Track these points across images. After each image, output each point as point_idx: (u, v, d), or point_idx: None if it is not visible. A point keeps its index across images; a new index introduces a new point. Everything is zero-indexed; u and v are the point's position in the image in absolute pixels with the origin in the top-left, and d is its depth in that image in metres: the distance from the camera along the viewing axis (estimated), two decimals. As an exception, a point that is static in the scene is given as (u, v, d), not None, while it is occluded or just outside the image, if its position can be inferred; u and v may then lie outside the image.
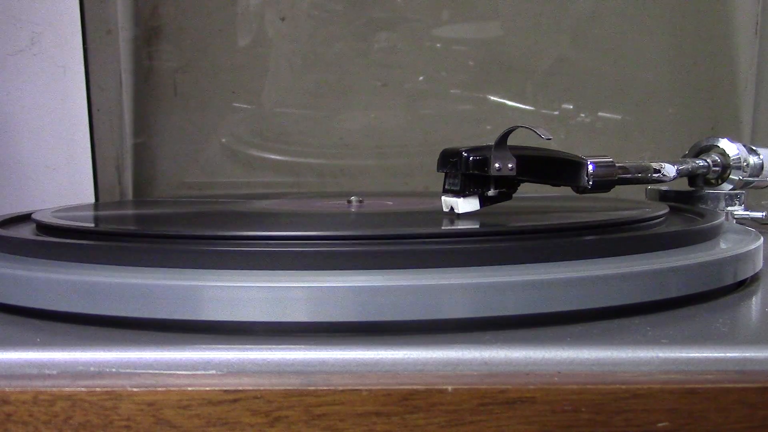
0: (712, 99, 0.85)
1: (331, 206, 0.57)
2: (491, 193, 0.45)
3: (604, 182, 0.47)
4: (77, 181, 0.74)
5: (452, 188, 0.45)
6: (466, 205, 0.45)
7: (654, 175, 0.53)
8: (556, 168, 0.47)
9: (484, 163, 0.44)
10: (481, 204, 0.45)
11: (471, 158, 0.44)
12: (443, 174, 0.46)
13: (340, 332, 0.32)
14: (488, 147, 0.44)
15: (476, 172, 0.44)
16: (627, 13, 0.85)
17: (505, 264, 0.35)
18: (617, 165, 0.49)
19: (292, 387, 0.29)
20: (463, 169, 0.44)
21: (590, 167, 0.47)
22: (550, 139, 0.43)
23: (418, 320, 0.32)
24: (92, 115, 0.75)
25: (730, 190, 0.58)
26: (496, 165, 0.44)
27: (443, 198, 0.46)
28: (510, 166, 0.44)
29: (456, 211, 0.45)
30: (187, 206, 0.64)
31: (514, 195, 0.47)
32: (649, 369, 0.30)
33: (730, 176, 0.58)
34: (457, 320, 0.33)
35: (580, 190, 0.47)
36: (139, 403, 0.29)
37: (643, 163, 0.52)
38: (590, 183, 0.47)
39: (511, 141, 0.44)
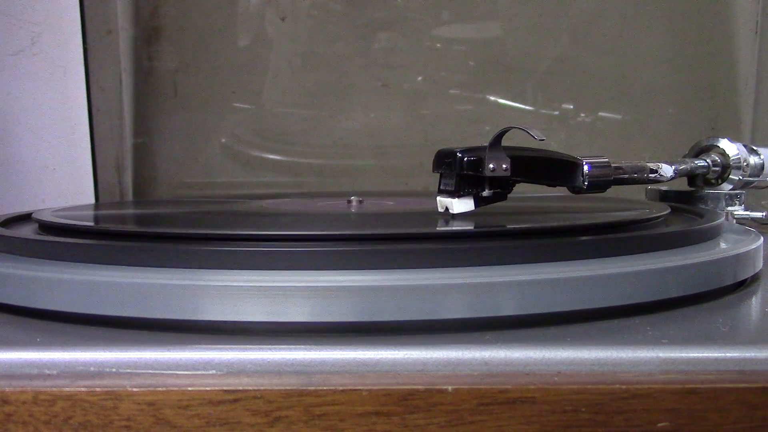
0: (712, 99, 0.85)
1: (331, 206, 0.57)
2: (486, 193, 0.46)
3: (600, 182, 0.47)
4: (77, 181, 0.74)
5: (447, 189, 0.45)
6: (461, 205, 0.45)
7: (651, 175, 0.53)
8: (551, 168, 0.47)
9: (478, 163, 0.44)
10: (476, 204, 0.45)
11: (465, 159, 0.44)
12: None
13: (340, 332, 0.32)
14: (483, 147, 0.44)
15: (471, 172, 0.44)
16: (627, 13, 0.85)
17: (505, 264, 0.35)
18: (613, 165, 0.49)
19: (292, 387, 0.29)
20: (458, 170, 0.44)
21: (585, 167, 0.47)
22: (543, 140, 0.43)
23: (418, 320, 0.32)
24: (92, 115, 0.75)
25: (730, 190, 0.58)
26: (491, 165, 0.44)
27: (438, 198, 0.46)
28: (504, 166, 0.44)
29: (451, 211, 0.45)
30: (187, 206, 0.64)
31: (509, 195, 0.47)
32: (649, 369, 0.30)
33: (730, 176, 0.57)
34: (457, 320, 0.33)
35: (576, 190, 0.47)
36: (139, 403, 0.29)
37: (639, 164, 0.52)
38: (586, 183, 0.47)
39: (510, 141, 0.44)
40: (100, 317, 0.33)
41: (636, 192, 0.64)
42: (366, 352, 0.30)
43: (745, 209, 0.58)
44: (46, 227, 0.45)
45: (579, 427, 0.29)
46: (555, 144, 0.81)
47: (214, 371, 0.30)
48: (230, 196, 0.77)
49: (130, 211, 0.63)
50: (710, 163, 0.57)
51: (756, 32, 0.82)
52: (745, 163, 0.57)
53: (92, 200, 0.75)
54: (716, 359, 0.30)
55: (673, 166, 0.54)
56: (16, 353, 0.30)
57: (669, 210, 0.50)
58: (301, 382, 0.29)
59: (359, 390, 0.29)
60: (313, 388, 0.29)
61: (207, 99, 0.84)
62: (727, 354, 0.31)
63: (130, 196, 0.81)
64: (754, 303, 0.39)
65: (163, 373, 0.30)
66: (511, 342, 0.31)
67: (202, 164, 0.85)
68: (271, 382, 0.29)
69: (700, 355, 0.30)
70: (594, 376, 0.30)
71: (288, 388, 0.29)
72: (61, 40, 0.72)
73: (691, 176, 0.58)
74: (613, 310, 0.35)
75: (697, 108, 0.85)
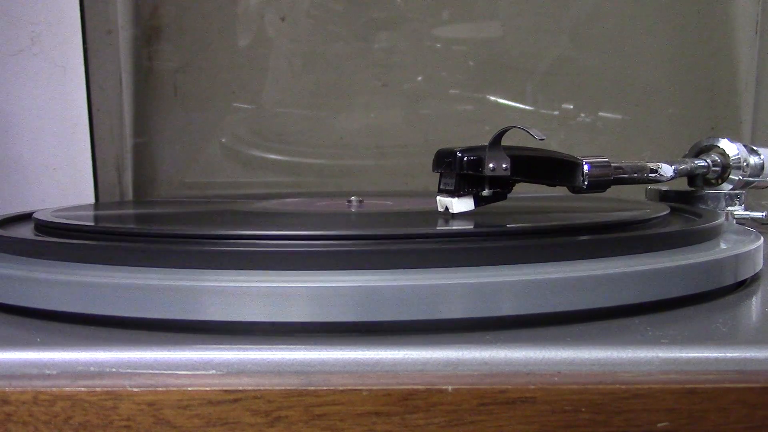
0: (712, 99, 0.85)
1: (331, 206, 0.57)
2: (486, 193, 0.46)
3: (600, 182, 0.47)
4: (77, 181, 0.74)
5: (447, 188, 0.45)
6: (461, 205, 0.45)
7: (650, 175, 0.53)
8: (551, 168, 0.47)
9: (478, 163, 0.44)
10: (476, 204, 0.45)
11: (465, 158, 0.44)
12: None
13: (340, 332, 0.32)
14: (482, 147, 0.44)
15: (471, 172, 0.44)
16: (627, 12, 0.85)
17: (505, 264, 0.35)
18: (613, 165, 0.49)
19: (292, 387, 0.29)
20: (458, 169, 0.44)
21: (585, 167, 0.47)
22: (543, 139, 0.43)
23: (418, 320, 0.32)
24: (92, 115, 0.75)
25: (730, 190, 0.58)
26: (491, 165, 0.44)
27: (438, 198, 0.46)
28: (504, 166, 0.44)
29: (450, 211, 0.45)
30: (187, 206, 0.64)
31: (509, 195, 0.47)
32: (649, 369, 0.30)
33: (730, 176, 0.57)
34: (457, 320, 0.33)
35: (576, 190, 0.47)
36: (139, 403, 0.29)
37: (639, 163, 0.52)
38: (585, 183, 0.47)
39: (510, 141, 0.45)
40: (100, 317, 0.33)
41: (636, 192, 0.64)
42: (366, 352, 0.30)
43: (745, 209, 0.58)
44: (47, 227, 0.45)
45: (579, 427, 0.29)
46: (555, 144, 0.81)
47: (214, 371, 0.30)
48: (230, 196, 0.77)
49: (130, 211, 0.63)
50: (710, 163, 0.57)
51: (756, 32, 0.82)
52: (745, 163, 0.57)
53: (92, 200, 0.75)
54: (716, 359, 0.30)
55: (673, 166, 0.54)
56: (16, 353, 0.30)
57: (668, 210, 0.50)
58: (301, 382, 0.29)
59: (359, 390, 0.29)
60: (313, 388, 0.29)
61: (207, 99, 0.84)
62: (727, 354, 0.30)
63: (130, 196, 0.81)
64: (754, 303, 0.39)
65: (163, 373, 0.30)
66: (511, 342, 0.31)
67: (202, 164, 0.85)
68: (271, 382, 0.29)
69: (700, 355, 0.30)
70: (594, 376, 0.30)
71: (288, 388, 0.29)
72: (61, 40, 0.72)
73: (691, 176, 0.58)
74: (613, 310, 0.35)
75: (697, 108, 0.85)
